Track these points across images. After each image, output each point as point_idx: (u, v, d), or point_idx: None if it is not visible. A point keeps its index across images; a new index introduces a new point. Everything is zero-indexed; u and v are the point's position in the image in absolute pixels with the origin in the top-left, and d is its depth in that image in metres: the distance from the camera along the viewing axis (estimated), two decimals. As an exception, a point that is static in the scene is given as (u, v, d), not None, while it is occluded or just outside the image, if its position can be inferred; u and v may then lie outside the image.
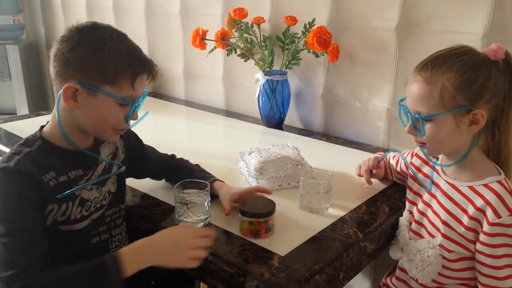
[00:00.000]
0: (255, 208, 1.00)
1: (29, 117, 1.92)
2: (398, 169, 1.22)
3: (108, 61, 0.88)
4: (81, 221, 0.95)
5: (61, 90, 0.88)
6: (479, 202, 0.92)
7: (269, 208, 1.00)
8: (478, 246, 0.94)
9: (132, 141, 1.15)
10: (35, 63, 2.98)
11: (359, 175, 1.27)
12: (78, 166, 0.95)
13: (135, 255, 0.87)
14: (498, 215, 0.90)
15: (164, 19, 2.18)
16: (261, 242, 0.97)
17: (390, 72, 1.50)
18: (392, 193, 1.23)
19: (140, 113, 0.99)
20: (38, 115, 1.95)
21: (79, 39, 0.89)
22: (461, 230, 0.96)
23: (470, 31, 1.29)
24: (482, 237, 0.92)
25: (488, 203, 0.91)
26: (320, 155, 1.52)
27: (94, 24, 0.92)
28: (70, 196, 0.92)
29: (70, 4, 2.65)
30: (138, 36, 2.20)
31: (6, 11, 2.80)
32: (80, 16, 2.59)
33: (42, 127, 0.97)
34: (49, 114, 1.91)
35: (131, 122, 0.98)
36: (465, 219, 0.95)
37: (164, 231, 0.93)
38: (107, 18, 2.38)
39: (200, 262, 0.90)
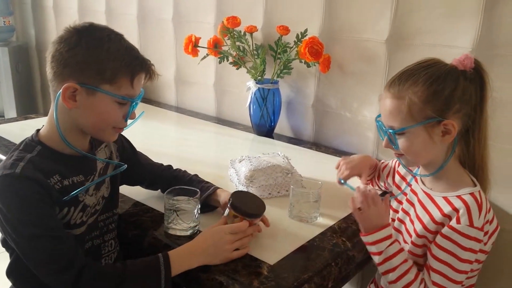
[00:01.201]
0: (251, 208, 1.01)
1: (17, 120, 1.91)
2: (385, 173, 1.23)
3: (107, 61, 0.89)
4: (80, 227, 0.95)
5: (60, 90, 0.88)
6: (447, 209, 0.93)
7: (263, 209, 1.02)
8: (431, 245, 0.94)
9: (125, 145, 1.15)
10: (25, 66, 2.96)
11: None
12: (79, 172, 0.95)
13: (181, 258, 0.91)
14: (458, 221, 0.90)
15: (156, 25, 2.18)
16: (250, 251, 0.97)
17: (380, 83, 1.52)
18: (380, 203, 1.24)
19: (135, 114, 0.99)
20: (26, 118, 1.93)
21: (77, 39, 0.89)
22: (422, 232, 0.96)
23: (459, 45, 1.31)
24: (437, 238, 0.93)
25: (455, 209, 0.92)
26: (310, 164, 1.53)
27: (91, 24, 0.93)
28: (74, 201, 0.92)
29: (62, 7, 2.64)
30: (130, 41, 2.19)
31: (-4, 13, 2.79)
32: (72, 20, 2.58)
33: (38, 130, 0.96)
34: (38, 117, 1.92)
35: (129, 121, 0.98)
36: (429, 224, 0.95)
37: (203, 235, 0.97)
38: (99, 22, 2.30)
39: (247, 250, 0.96)
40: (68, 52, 0.88)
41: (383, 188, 1.27)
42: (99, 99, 0.90)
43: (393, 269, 0.94)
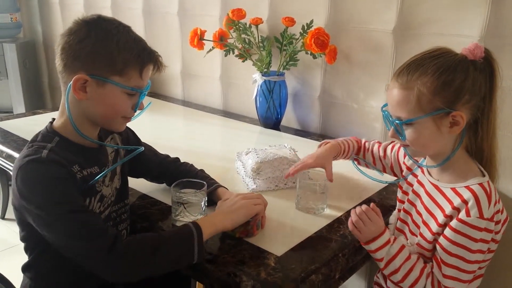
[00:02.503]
0: None
1: (25, 116, 1.93)
2: (387, 161, 1.20)
3: (117, 52, 0.90)
4: None
5: (71, 82, 0.89)
6: (457, 201, 0.92)
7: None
8: (440, 239, 0.93)
9: (130, 137, 1.15)
10: (32, 61, 2.97)
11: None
12: (94, 163, 0.97)
13: (208, 222, 0.94)
14: (468, 214, 0.89)
15: (162, 19, 2.18)
16: (258, 242, 0.98)
17: (387, 74, 1.50)
18: (388, 194, 1.24)
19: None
20: (34, 113, 1.95)
21: (87, 31, 0.90)
22: (435, 228, 0.95)
23: (467, 34, 1.30)
24: (446, 231, 0.92)
25: (464, 201, 0.91)
26: (317, 156, 1.53)
27: (99, 16, 0.93)
28: (93, 191, 0.94)
29: (68, 3, 2.65)
30: (136, 36, 2.20)
31: (4, 9, 2.80)
32: (78, 16, 2.59)
33: (51, 122, 0.97)
34: (46, 113, 1.94)
35: (137, 111, 1.00)
36: (440, 218, 0.94)
37: (221, 205, 1.03)
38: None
39: (265, 207, 1.02)
40: (78, 44, 0.89)
41: (371, 165, 1.24)
42: (109, 90, 0.91)
43: (397, 270, 0.95)
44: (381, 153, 1.22)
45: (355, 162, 1.25)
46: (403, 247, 0.96)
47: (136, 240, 0.87)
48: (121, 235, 0.89)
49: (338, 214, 1.12)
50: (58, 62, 0.92)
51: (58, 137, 0.93)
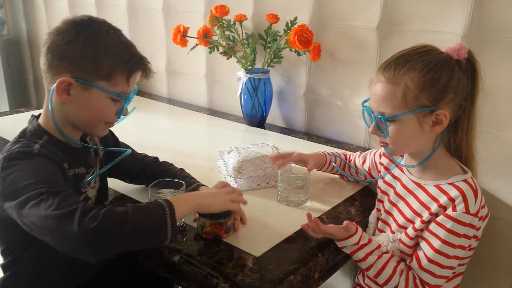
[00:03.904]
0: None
1: (9, 114, 1.89)
2: (365, 167, 1.22)
3: (105, 57, 0.87)
4: None
5: (55, 83, 0.87)
6: (443, 199, 0.92)
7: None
8: (425, 233, 0.93)
9: (108, 136, 1.13)
10: (16, 59, 2.93)
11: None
12: (81, 164, 0.95)
13: (182, 198, 0.92)
14: (454, 209, 0.89)
15: (146, 15, 2.15)
16: (236, 242, 0.96)
17: (371, 71, 1.49)
18: (369, 192, 1.23)
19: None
20: (18, 112, 1.91)
21: (76, 32, 0.87)
22: (418, 225, 0.94)
23: (450, 30, 1.29)
24: (431, 226, 0.92)
25: (451, 199, 0.90)
26: (301, 154, 1.52)
27: (90, 18, 0.91)
28: (77, 193, 0.92)
29: (53, 0, 2.61)
30: (121, 33, 2.17)
31: (-13, 6, 2.76)
32: (62, 12, 2.55)
33: (35, 118, 0.94)
34: (29, 111, 1.91)
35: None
36: (425, 215, 0.94)
37: (204, 190, 1.03)
38: (89, 14, 2.34)
39: (239, 206, 1.00)
40: (65, 45, 0.87)
41: (353, 177, 1.26)
42: (94, 94, 0.89)
43: (370, 267, 0.95)
44: (361, 160, 1.23)
45: (334, 160, 1.25)
46: (378, 247, 0.97)
47: (107, 211, 0.78)
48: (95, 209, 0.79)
49: (319, 213, 1.10)
50: (43, 61, 0.90)
51: (46, 135, 0.91)
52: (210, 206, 0.94)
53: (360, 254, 0.96)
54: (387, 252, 0.97)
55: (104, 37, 0.88)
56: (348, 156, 1.29)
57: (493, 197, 1.27)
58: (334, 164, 1.24)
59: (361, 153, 1.26)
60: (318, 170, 1.27)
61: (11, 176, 0.81)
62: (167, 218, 0.81)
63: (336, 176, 1.31)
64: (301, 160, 1.22)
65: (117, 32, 0.92)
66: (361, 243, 0.96)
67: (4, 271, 0.98)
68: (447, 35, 1.29)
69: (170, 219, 0.81)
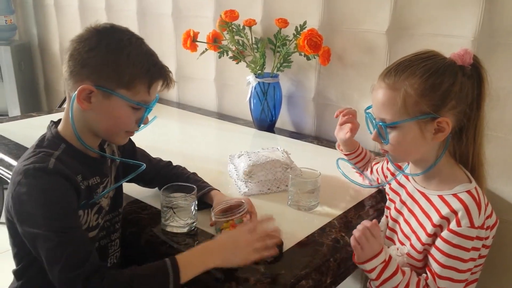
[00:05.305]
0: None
1: (20, 119, 1.91)
2: (375, 172, 1.22)
3: (127, 65, 0.87)
4: (95, 229, 0.95)
5: (76, 91, 0.87)
6: (445, 211, 0.89)
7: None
8: (432, 250, 0.91)
9: (126, 144, 1.14)
10: (28, 64, 2.96)
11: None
12: (96, 173, 0.95)
13: (194, 258, 0.86)
14: (459, 224, 0.87)
15: (156, 20, 2.17)
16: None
17: (381, 75, 1.49)
18: (381, 198, 1.22)
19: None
20: (29, 116, 1.93)
21: (98, 40, 0.87)
22: (424, 238, 0.93)
23: (461, 34, 1.28)
24: (437, 242, 0.90)
25: (453, 211, 0.88)
26: (311, 158, 1.52)
27: (112, 26, 0.91)
28: (91, 203, 0.92)
29: (63, 5, 2.64)
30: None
31: (-2, 12, 2.80)
32: (73, 17, 2.58)
33: (54, 125, 0.94)
34: (40, 116, 1.93)
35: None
36: (429, 227, 0.92)
37: (220, 236, 0.95)
38: (100, 19, 2.34)
39: (272, 253, 0.90)
40: (87, 52, 0.87)
41: (373, 182, 1.25)
42: (114, 102, 0.89)
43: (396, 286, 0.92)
44: (374, 164, 1.25)
45: (339, 165, 1.26)
46: (397, 267, 0.93)
47: (111, 276, 0.80)
48: (103, 267, 0.83)
49: (330, 218, 1.10)
50: (64, 69, 0.90)
51: (64, 143, 0.91)
52: (230, 264, 0.88)
53: (387, 273, 0.91)
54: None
55: (127, 46, 0.88)
56: (371, 157, 1.30)
57: (505, 202, 1.26)
58: (341, 171, 1.23)
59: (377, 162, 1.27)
60: (346, 155, 1.28)
61: (23, 197, 0.82)
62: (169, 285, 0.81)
63: (347, 180, 1.30)
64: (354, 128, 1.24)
65: (139, 40, 0.91)
66: (386, 261, 0.92)
67: (17, 278, 0.99)
68: (457, 38, 1.29)
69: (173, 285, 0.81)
